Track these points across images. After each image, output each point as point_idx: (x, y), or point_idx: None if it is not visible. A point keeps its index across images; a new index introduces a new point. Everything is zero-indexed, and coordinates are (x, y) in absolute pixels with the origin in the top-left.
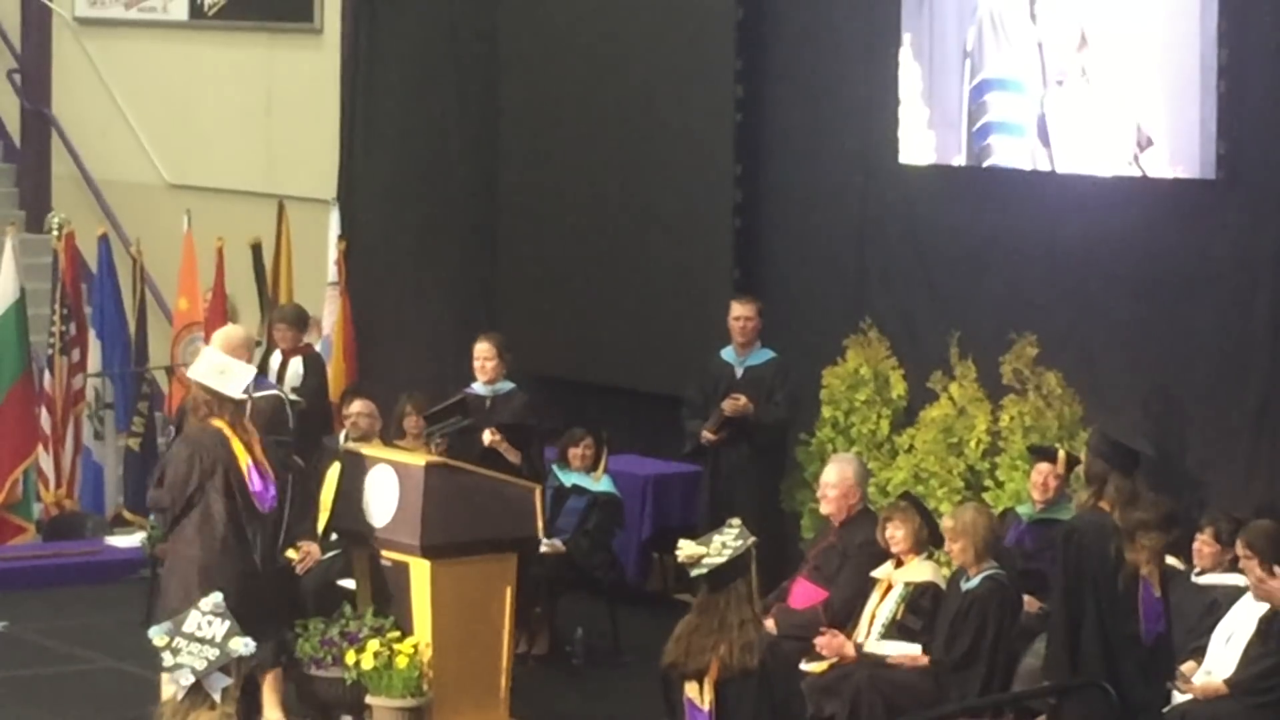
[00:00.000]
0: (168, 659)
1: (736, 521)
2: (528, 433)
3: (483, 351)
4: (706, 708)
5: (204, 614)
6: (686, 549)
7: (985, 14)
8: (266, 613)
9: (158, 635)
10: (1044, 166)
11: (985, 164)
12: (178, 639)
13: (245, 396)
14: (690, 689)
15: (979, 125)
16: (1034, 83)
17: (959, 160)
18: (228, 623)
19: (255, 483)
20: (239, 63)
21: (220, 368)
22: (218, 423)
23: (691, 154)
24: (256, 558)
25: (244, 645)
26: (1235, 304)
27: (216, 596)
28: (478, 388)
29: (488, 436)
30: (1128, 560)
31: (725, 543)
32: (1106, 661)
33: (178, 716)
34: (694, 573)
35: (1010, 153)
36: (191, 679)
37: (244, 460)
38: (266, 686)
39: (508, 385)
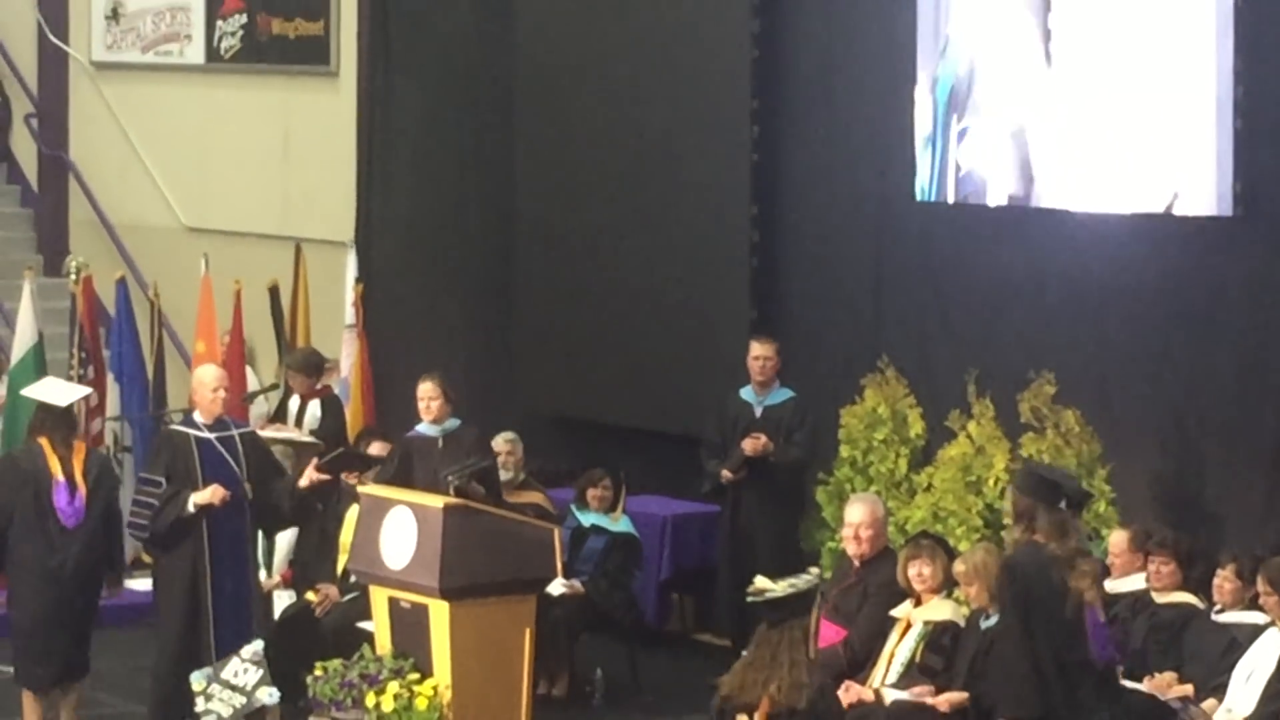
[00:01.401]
0: (200, 704)
1: (815, 570)
2: (489, 473)
3: (426, 392)
4: None
5: (243, 661)
6: (759, 582)
7: (1002, 54)
8: (70, 627)
9: (197, 681)
10: (1061, 204)
11: (1002, 202)
12: (214, 684)
13: (73, 411)
14: None
15: (997, 163)
16: (1051, 120)
17: (975, 198)
18: (260, 671)
19: (60, 498)
20: (256, 106)
21: (53, 384)
22: (41, 439)
23: (708, 194)
24: (64, 571)
25: (269, 695)
26: (1252, 340)
27: (257, 645)
28: (423, 429)
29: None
30: (1071, 588)
31: (793, 582)
32: (1066, 690)
33: None
34: (751, 598)
35: (1027, 190)
36: None
37: (57, 475)
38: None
39: (455, 423)
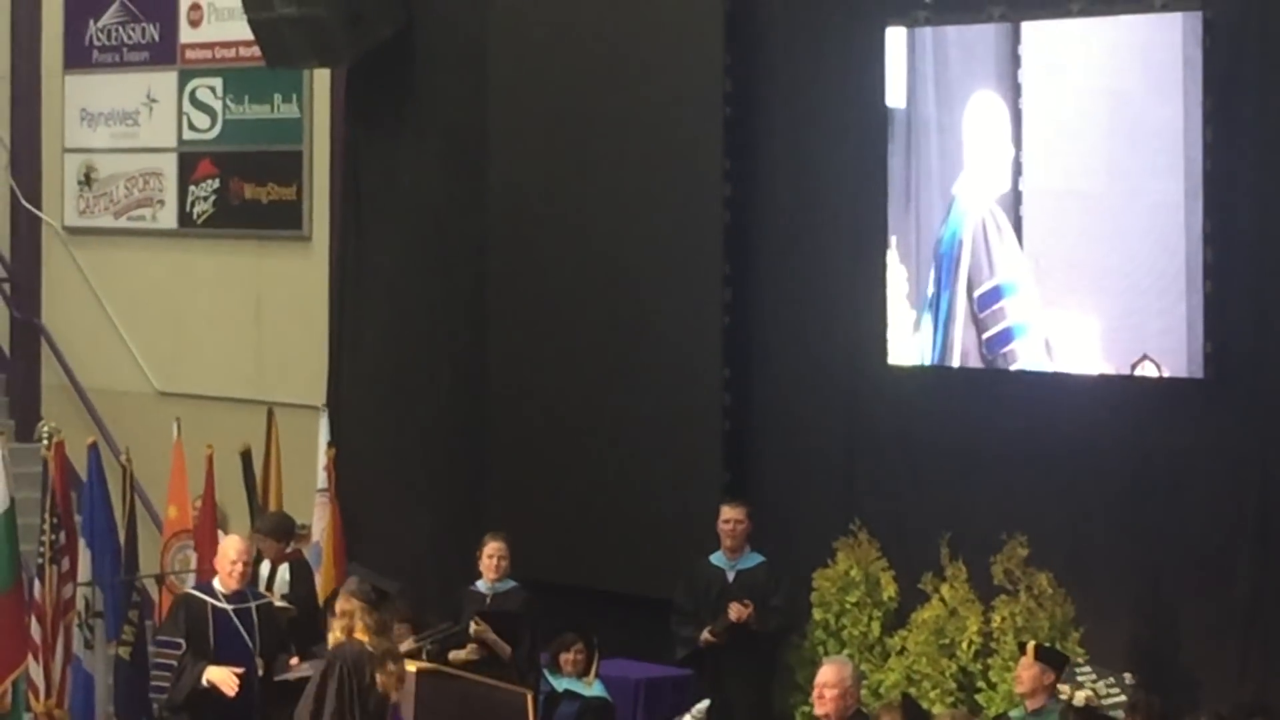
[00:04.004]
0: None
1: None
2: (516, 623)
3: (496, 550)
4: None
5: None
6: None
7: (977, 220)
8: None
9: None
10: (1031, 365)
11: (974, 364)
12: None
13: None
14: None
15: (970, 326)
16: (1024, 284)
17: (948, 361)
18: None
19: None
20: (229, 271)
21: None
22: None
23: (680, 356)
24: None
25: None
26: (1224, 502)
27: None
28: (480, 585)
29: (473, 627)
30: (378, 683)
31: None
32: None
33: None
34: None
35: (1001, 353)
36: None
37: None
38: None
39: (510, 583)
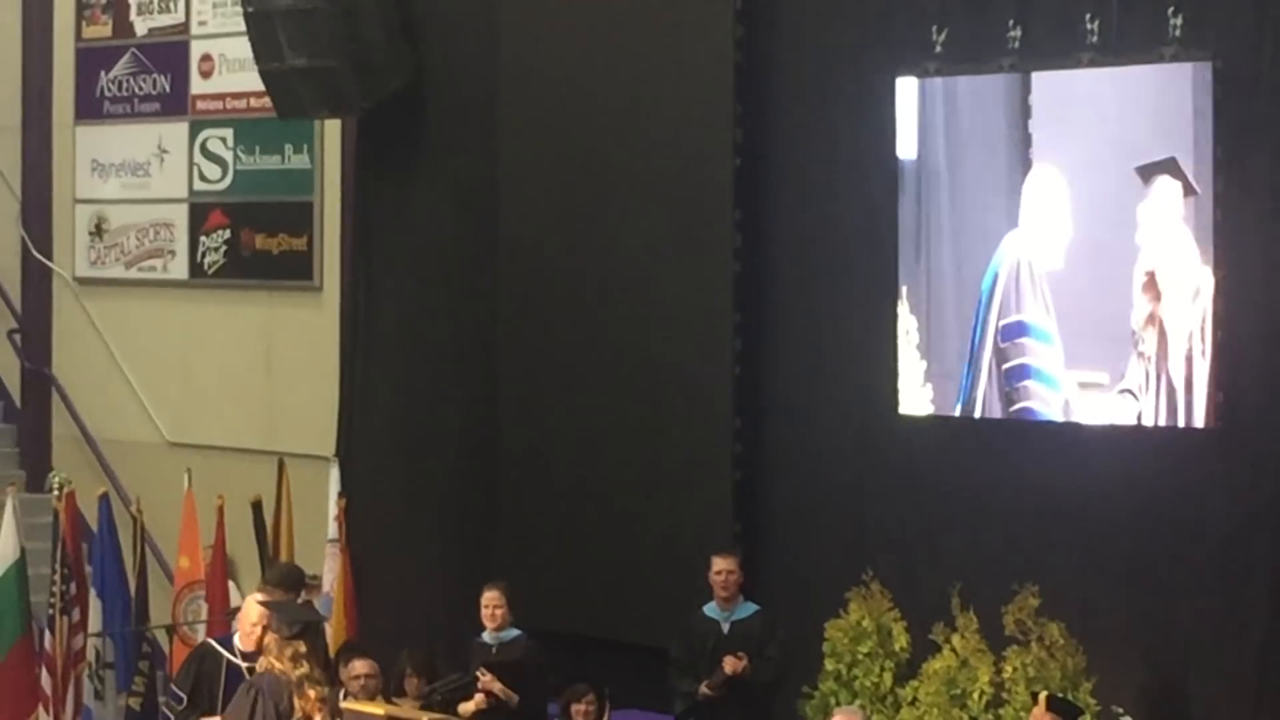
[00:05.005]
0: None
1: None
2: (523, 672)
3: (491, 599)
4: None
5: None
6: None
7: (1004, 267)
8: None
9: None
10: (1043, 416)
11: (993, 414)
12: None
13: None
14: None
15: (993, 371)
16: (1046, 329)
17: (971, 412)
18: None
19: None
20: (239, 321)
21: None
22: None
23: (691, 405)
24: None
25: None
26: (1235, 551)
27: None
28: (486, 636)
29: (481, 676)
30: (298, 707)
31: None
32: None
33: None
34: None
35: (1017, 387)
36: None
37: None
38: None
39: (514, 632)
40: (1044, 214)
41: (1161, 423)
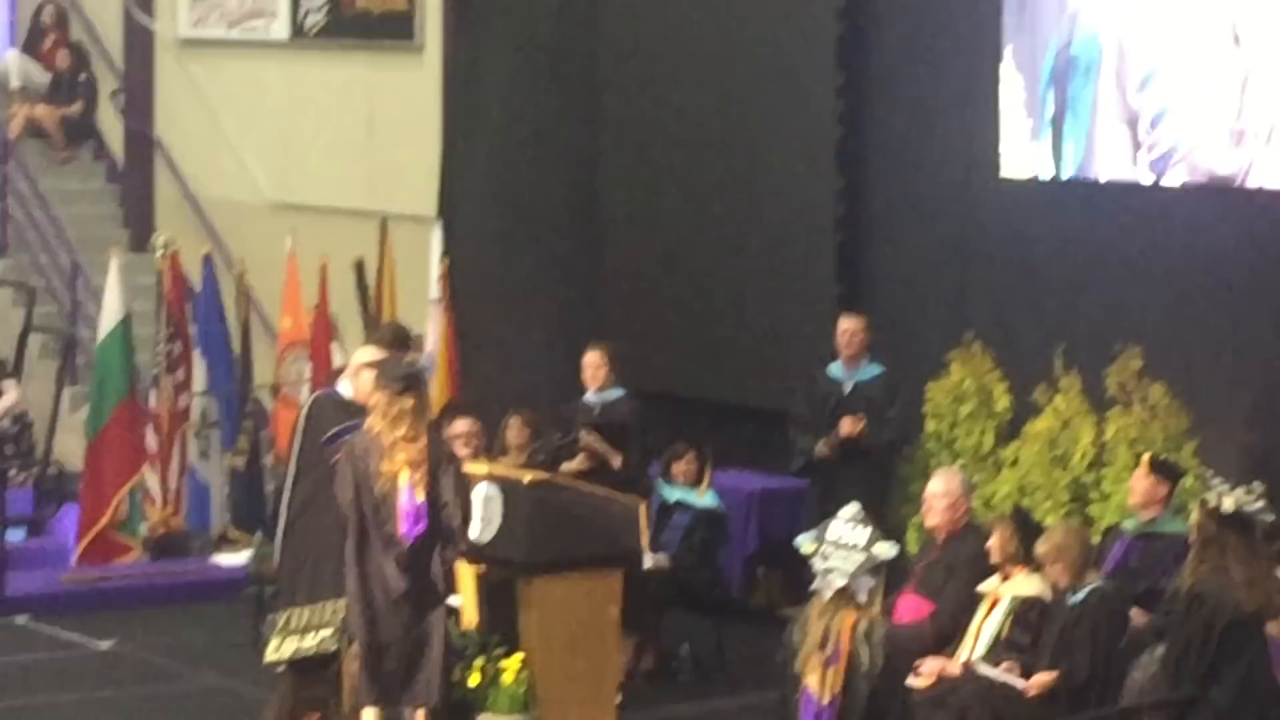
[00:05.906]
0: (818, 564)
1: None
2: (625, 433)
3: (592, 360)
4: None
5: (844, 521)
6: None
7: (1097, 33)
8: None
9: (806, 543)
10: (1144, 178)
11: (1087, 176)
12: (825, 546)
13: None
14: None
15: (1093, 138)
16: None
17: (1060, 173)
18: (869, 529)
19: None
20: (341, 81)
21: None
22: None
23: (793, 169)
24: None
25: (889, 549)
26: None
27: (855, 505)
28: (589, 397)
29: (582, 436)
30: (384, 471)
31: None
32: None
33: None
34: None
35: (1111, 165)
36: (842, 582)
37: None
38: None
39: (617, 392)
40: None
41: (1265, 184)
